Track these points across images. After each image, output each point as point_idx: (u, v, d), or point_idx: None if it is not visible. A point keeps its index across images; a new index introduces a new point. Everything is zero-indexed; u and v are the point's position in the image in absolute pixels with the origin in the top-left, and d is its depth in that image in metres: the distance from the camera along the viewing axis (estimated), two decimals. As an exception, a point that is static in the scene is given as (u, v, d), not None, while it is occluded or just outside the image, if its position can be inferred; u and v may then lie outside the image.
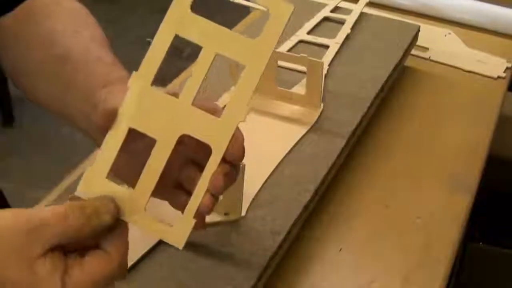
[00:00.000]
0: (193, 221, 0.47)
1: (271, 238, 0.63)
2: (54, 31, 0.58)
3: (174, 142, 0.47)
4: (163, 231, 0.47)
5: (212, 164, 0.47)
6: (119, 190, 0.46)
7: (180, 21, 0.48)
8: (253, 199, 0.68)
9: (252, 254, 0.61)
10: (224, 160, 0.47)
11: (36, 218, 0.41)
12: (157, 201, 0.51)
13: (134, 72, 0.47)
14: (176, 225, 0.47)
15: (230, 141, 0.47)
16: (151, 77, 0.48)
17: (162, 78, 0.72)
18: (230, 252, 0.61)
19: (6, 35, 0.61)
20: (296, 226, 0.67)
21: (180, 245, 0.47)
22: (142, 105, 0.47)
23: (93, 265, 0.42)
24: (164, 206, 0.52)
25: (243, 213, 0.66)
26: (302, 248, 0.69)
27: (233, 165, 0.48)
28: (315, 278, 0.67)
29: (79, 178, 0.70)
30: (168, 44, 0.47)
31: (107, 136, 0.47)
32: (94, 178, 0.47)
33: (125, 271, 0.45)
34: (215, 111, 0.48)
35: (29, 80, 0.60)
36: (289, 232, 0.65)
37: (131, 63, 0.63)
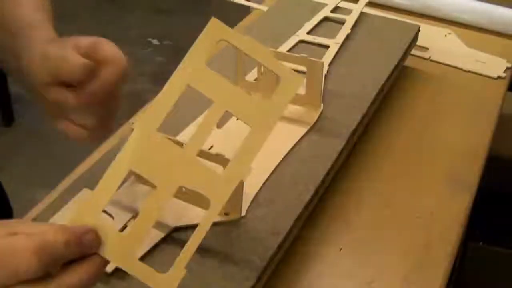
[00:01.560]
0: (184, 271, 0.46)
1: (271, 238, 0.63)
2: None
3: (173, 192, 0.47)
4: (152, 277, 0.46)
5: (210, 218, 0.48)
6: (110, 231, 0.45)
7: (194, 73, 0.48)
8: (253, 199, 0.68)
9: (252, 254, 0.61)
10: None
11: None
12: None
13: (141, 115, 0.47)
14: (166, 274, 0.46)
15: None
16: (158, 122, 0.47)
17: (163, 78, 0.73)
18: (230, 252, 0.61)
19: None
20: (296, 226, 0.67)
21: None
22: (146, 150, 0.47)
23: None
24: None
25: (243, 213, 0.66)
26: (302, 248, 0.69)
27: None
28: (315, 278, 0.67)
29: (79, 178, 0.71)
30: (178, 94, 0.47)
31: (105, 174, 0.46)
32: (87, 213, 0.46)
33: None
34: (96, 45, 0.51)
35: None
36: (289, 232, 0.65)
37: (133, 63, 0.64)
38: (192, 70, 0.48)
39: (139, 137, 0.47)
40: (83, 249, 0.43)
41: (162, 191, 0.47)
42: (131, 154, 0.46)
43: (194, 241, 0.47)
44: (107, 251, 0.45)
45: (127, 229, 0.46)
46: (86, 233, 0.43)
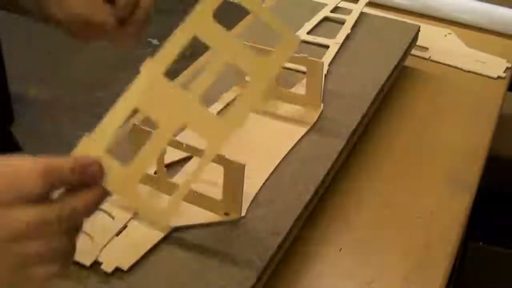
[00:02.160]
0: (179, 206, 0.51)
1: (271, 238, 0.63)
2: None
3: (173, 132, 0.49)
4: (149, 209, 0.50)
5: (206, 160, 0.50)
6: (113, 164, 0.47)
7: (201, 24, 0.50)
8: (253, 199, 0.68)
9: (252, 254, 0.61)
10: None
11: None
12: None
13: (148, 58, 0.49)
14: (164, 208, 0.50)
15: None
16: (165, 66, 0.49)
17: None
18: (230, 252, 0.61)
19: None
20: (296, 226, 0.67)
21: (165, 226, 0.52)
22: (151, 90, 0.48)
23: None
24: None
25: (243, 213, 0.66)
26: (302, 248, 0.69)
27: None
28: (315, 278, 0.67)
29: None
30: (186, 41, 0.49)
31: (110, 110, 0.48)
32: (91, 147, 0.47)
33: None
34: None
35: None
36: (289, 232, 0.65)
37: (133, 63, 0.64)
38: (199, 21, 0.50)
39: (146, 78, 0.48)
40: (87, 178, 0.44)
41: (164, 130, 0.49)
42: (137, 93, 0.48)
43: (193, 177, 0.51)
44: (109, 183, 0.46)
45: (130, 164, 0.48)
46: (91, 164, 0.45)
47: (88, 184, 0.45)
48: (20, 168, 0.42)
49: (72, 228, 0.45)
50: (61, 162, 0.43)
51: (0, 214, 0.41)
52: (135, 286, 0.58)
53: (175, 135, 0.50)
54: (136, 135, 0.66)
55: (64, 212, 0.43)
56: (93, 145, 0.47)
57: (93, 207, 0.45)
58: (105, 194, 0.46)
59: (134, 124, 0.65)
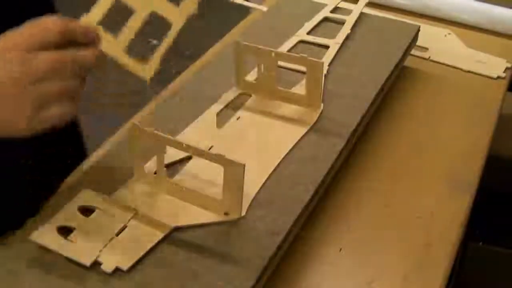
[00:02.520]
0: (159, 59, 0.62)
1: (271, 238, 0.63)
2: None
3: (146, 15, 0.62)
4: (133, 65, 0.60)
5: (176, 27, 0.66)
6: (107, 35, 0.59)
7: None
8: (253, 199, 0.68)
9: (252, 254, 0.61)
10: None
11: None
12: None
13: None
14: (146, 65, 0.61)
15: None
16: None
17: (163, 78, 0.73)
18: (230, 252, 0.61)
19: None
20: (296, 226, 0.67)
21: (147, 78, 0.60)
22: None
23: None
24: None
25: (243, 213, 0.66)
26: (302, 248, 0.69)
27: None
28: (315, 278, 0.67)
29: (78, 178, 0.71)
30: None
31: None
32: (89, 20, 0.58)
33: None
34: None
35: None
36: (289, 232, 0.65)
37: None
38: None
39: None
40: (91, 39, 0.56)
41: (139, 15, 0.61)
42: None
43: (169, 39, 0.64)
44: (104, 47, 0.58)
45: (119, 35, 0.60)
46: (94, 31, 0.57)
47: (91, 44, 0.56)
48: (44, 22, 0.53)
49: (81, 73, 0.55)
50: (76, 25, 0.55)
51: (26, 58, 0.51)
52: (135, 286, 0.58)
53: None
54: (135, 135, 0.66)
55: (75, 57, 0.54)
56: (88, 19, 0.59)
57: (95, 59, 0.55)
58: (102, 53, 0.57)
59: (134, 124, 0.65)
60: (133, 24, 0.61)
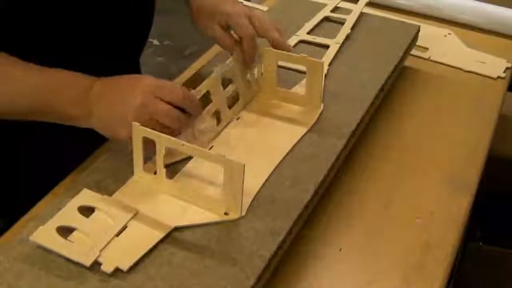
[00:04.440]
0: None
1: (271, 238, 0.63)
2: None
3: None
4: None
5: None
6: None
7: None
8: (253, 198, 0.68)
9: (252, 254, 0.61)
10: None
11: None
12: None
13: None
14: None
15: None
16: None
17: (164, 78, 0.73)
18: (230, 252, 0.61)
19: None
20: (296, 226, 0.67)
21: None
22: None
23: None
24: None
25: (243, 213, 0.66)
26: (302, 248, 0.69)
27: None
28: (315, 278, 0.67)
29: (79, 178, 0.70)
30: None
31: None
32: None
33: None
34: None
35: None
36: (289, 232, 0.65)
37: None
38: None
39: None
40: (193, 110, 0.70)
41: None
42: None
43: None
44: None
45: None
46: (198, 102, 0.72)
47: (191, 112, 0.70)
48: (174, 86, 0.69)
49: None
50: (192, 96, 0.70)
51: (152, 100, 0.66)
52: (135, 286, 0.58)
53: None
54: (135, 135, 0.66)
55: (181, 119, 0.68)
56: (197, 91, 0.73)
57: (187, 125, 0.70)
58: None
59: (134, 124, 0.65)
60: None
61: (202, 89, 0.74)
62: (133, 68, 0.95)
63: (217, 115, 0.78)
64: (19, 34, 0.72)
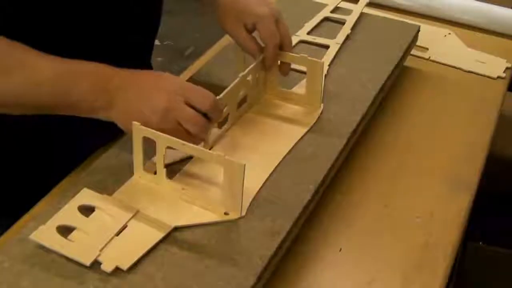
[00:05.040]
0: None
1: (271, 238, 0.63)
2: None
3: None
4: None
5: None
6: None
7: None
8: (253, 198, 0.68)
9: (252, 254, 0.61)
10: None
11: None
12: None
13: None
14: None
15: None
16: None
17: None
18: (230, 252, 0.61)
19: None
20: (296, 226, 0.67)
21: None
22: None
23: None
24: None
25: (243, 213, 0.66)
26: (302, 248, 0.69)
27: None
28: (315, 278, 0.67)
29: (79, 178, 0.70)
30: None
31: None
32: None
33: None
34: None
35: None
36: (289, 232, 0.65)
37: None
38: None
39: None
40: (216, 117, 0.69)
41: None
42: None
43: None
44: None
45: None
46: (221, 110, 0.71)
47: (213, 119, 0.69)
48: (206, 92, 0.67)
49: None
50: (218, 103, 0.69)
51: (182, 107, 0.65)
52: (135, 286, 0.58)
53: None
54: (135, 135, 0.66)
55: (204, 125, 0.67)
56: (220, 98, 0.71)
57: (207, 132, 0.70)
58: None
59: (134, 124, 0.65)
60: None
61: (224, 98, 0.72)
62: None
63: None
64: (27, 37, 0.71)
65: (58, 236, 0.61)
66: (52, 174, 0.75)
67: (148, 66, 0.97)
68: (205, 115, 0.67)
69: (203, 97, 0.67)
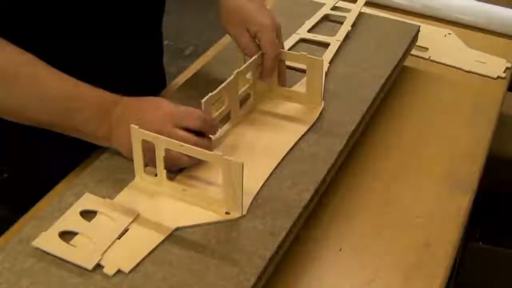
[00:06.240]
0: None
1: (271, 238, 0.63)
2: None
3: None
4: None
5: None
6: None
7: None
8: (254, 198, 0.68)
9: (252, 254, 0.61)
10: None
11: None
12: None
13: None
14: None
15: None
16: None
17: (164, 77, 0.73)
18: (230, 252, 0.61)
19: None
20: (296, 226, 0.67)
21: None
22: None
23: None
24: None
25: (243, 213, 0.66)
26: (302, 248, 0.69)
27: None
28: (315, 278, 0.67)
29: (79, 181, 0.70)
30: None
31: None
32: None
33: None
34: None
35: None
36: (289, 232, 0.65)
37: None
38: None
39: None
40: (211, 132, 0.72)
41: None
42: None
43: None
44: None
45: None
46: (216, 125, 0.73)
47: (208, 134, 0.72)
48: (195, 112, 0.70)
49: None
50: (210, 119, 0.72)
51: (173, 132, 0.67)
52: (135, 286, 0.58)
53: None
54: (136, 137, 0.66)
55: (197, 143, 0.67)
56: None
57: (205, 147, 0.68)
58: (210, 143, 0.72)
59: (134, 126, 0.65)
60: None
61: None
62: (155, 44, 0.95)
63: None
64: (34, 17, 0.71)
65: (61, 242, 0.61)
66: (52, 174, 0.75)
67: (160, 67, 0.98)
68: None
69: (193, 117, 0.69)
